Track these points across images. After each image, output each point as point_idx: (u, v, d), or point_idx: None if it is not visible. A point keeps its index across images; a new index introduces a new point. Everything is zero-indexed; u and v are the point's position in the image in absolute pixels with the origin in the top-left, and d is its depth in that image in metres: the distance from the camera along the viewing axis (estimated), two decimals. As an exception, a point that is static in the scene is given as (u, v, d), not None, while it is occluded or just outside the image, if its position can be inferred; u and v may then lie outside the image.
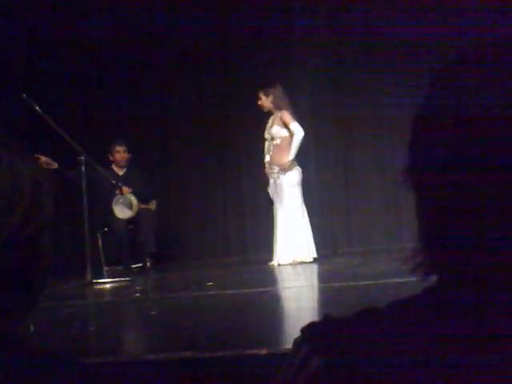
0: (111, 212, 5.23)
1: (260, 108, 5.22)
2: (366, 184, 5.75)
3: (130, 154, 5.53)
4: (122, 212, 5.22)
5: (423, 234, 0.45)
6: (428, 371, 0.40)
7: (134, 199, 5.25)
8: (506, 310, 0.40)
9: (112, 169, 5.48)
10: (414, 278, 0.46)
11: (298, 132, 5.04)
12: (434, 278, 0.45)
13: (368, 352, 0.42)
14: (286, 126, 5.09)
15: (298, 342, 0.46)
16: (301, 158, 5.19)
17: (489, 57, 0.42)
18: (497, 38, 0.42)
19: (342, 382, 0.42)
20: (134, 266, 5.28)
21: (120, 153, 5.46)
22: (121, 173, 5.52)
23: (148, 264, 5.24)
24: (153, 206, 5.46)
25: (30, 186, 0.63)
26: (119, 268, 5.22)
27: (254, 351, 1.78)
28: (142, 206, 5.34)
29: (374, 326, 0.43)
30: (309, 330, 0.46)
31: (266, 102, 5.17)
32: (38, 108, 4.57)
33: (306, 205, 5.16)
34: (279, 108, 5.12)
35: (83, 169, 4.78)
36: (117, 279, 4.85)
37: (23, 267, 0.62)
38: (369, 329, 0.43)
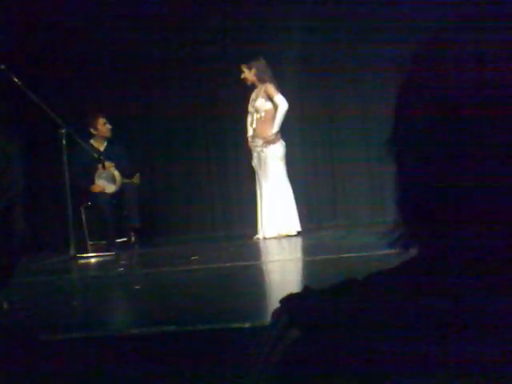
0: (94, 187, 5.17)
1: (243, 81, 5.18)
2: (352, 157, 5.75)
3: (111, 127, 5.44)
4: (105, 186, 5.17)
5: (401, 206, 0.46)
6: (406, 342, 0.40)
7: (116, 173, 5.20)
8: (482, 281, 0.41)
9: (92, 143, 5.39)
10: (396, 251, 0.46)
11: (282, 104, 5.01)
12: (413, 251, 0.44)
13: (346, 323, 0.42)
14: (270, 98, 5.06)
15: (276, 314, 0.46)
16: (285, 132, 5.17)
17: (470, 32, 0.42)
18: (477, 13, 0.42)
19: (320, 353, 0.42)
20: (118, 240, 5.25)
21: (105, 125, 5.38)
22: (102, 147, 5.44)
23: (132, 239, 5.21)
24: (136, 179, 5.41)
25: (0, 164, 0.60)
26: (103, 243, 5.19)
27: (238, 324, 1.79)
28: (126, 181, 5.29)
29: (352, 298, 0.44)
30: (287, 302, 0.46)
31: (249, 75, 5.13)
32: (16, 80, 4.46)
33: (290, 178, 5.16)
34: (263, 81, 5.08)
35: (64, 142, 4.69)
36: (101, 254, 4.83)
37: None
38: (347, 300, 0.43)
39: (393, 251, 0.47)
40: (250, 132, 5.20)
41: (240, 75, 5.18)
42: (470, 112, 0.40)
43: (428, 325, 0.40)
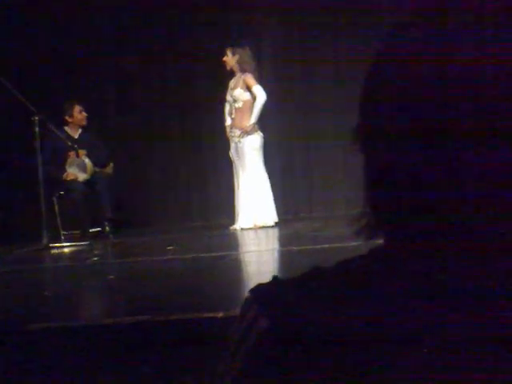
0: (65, 175, 5.09)
1: (223, 64, 5.12)
2: (328, 149, 5.77)
3: (87, 114, 5.36)
4: (75, 174, 5.09)
5: (367, 196, 0.47)
6: (373, 330, 0.40)
7: (88, 162, 5.12)
8: (453, 268, 0.41)
9: (66, 130, 5.29)
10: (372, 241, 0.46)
11: (261, 95, 4.99)
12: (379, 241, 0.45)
13: (314, 312, 0.42)
14: (248, 89, 5.03)
15: (246, 303, 0.46)
16: (262, 122, 5.16)
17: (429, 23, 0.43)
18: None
19: (289, 342, 0.42)
20: (92, 230, 5.19)
21: (81, 112, 5.29)
22: (76, 135, 5.35)
23: (107, 228, 5.15)
24: (110, 169, 5.33)
25: None
26: (77, 232, 5.11)
27: (211, 314, 1.78)
28: (97, 170, 5.21)
29: (319, 286, 0.44)
30: (257, 291, 0.45)
31: (231, 60, 5.08)
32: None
33: (267, 169, 5.16)
34: (243, 70, 5.05)
35: (37, 129, 4.60)
36: (74, 243, 4.76)
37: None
38: (315, 289, 0.43)
39: (367, 242, 0.47)
40: (228, 121, 5.17)
41: (221, 57, 5.11)
42: (432, 98, 0.41)
43: (395, 310, 0.41)
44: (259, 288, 0.46)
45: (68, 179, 5.08)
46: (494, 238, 0.40)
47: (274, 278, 0.47)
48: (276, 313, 0.43)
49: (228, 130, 5.18)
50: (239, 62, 5.05)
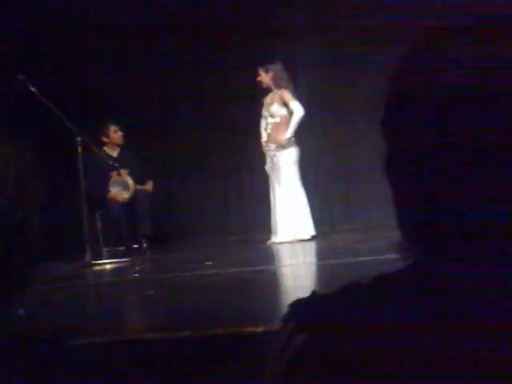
0: (108, 193, 5.22)
1: (259, 84, 5.19)
2: (365, 160, 5.73)
3: (123, 133, 5.49)
4: (118, 193, 5.22)
5: (401, 222, 0.49)
6: (412, 344, 0.41)
7: (130, 180, 5.24)
8: (485, 280, 0.42)
9: (105, 151, 5.44)
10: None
11: (298, 110, 5.02)
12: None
13: (352, 328, 0.43)
14: (285, 104, 5.07)
15: (284, 319, 0.47)
16: (298, 136, 5.17)
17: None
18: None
19: (326, 358, 0.43)
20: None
21: (117, 132, 5.43)
22: (114, 154, 5.49)
23: (144, 245, 5.25)
24: (149, 186, 5.45)
25: (16, 173, 0.62)
26: (118, 249, 5.23)
27: (251, 329, 1.79)
28: (139, 187, 5.33)
29: (357, 302, 0.45)
30: (295, 307, 0.47)
31: (265, 78, 5.14)
32: (34, 89, 4.53)
33: (303, 183, 5.16)
34: (279, 86, 5.09)
35: (80, 150, 4.75)
36: (116, 260, 4.87)
37: (10, 254, 0.61)
38: (352, 303, 0.44)
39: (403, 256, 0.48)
40: (264, 137, 5.21)
41: (256, 78, 5.18)
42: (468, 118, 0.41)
43: (432, 324, 0.41)
44: (298, 302, 0.47)
45: (110, 198, 5.21)
46: None
47: (313, 293, 0.49)
48: (314, 326, 0.44)
49: (264, 144, 5.22)
50: (274, 79, 5.10)
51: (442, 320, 0.41)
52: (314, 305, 0.46)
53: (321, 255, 4.48)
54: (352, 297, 0.45)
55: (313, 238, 5.03)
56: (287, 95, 5.03)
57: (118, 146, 5.49)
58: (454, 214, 0.42)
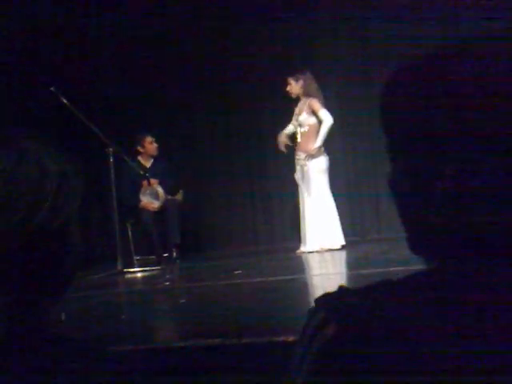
0: (139, 203, 5.30)
1: (288, 94, 5.20)
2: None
3: (158, 145, 5.59)
4: (149, 203, 5.30)
5: (411, 239, 0.55)
6: (439, 339, 0.41)
7: (160, 190, 5.32)
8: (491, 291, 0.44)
9: (139, 160, 5.54)
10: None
11: (328, 119, 5.01)
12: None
13: (382, 320, 0.43)
14: (314, 113, 5.07)
15: (312, 311, 0.48)
16: (328, 145, 5.16)
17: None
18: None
19: (355, 349, 0.43)
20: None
21: (152, 143, 5.53)
22: (148, 164, 5.58)
23: (174, 254, 5.31)
24: (180, 196, 5.52)
25: (56, 179, 0.65)
26: (149, 258, 5.30)
27: (282, 338, 1.79)
28: (169, 197, 5.40)
29: (387, 296, 0.45)
30: (323, 299, 0.47)
31: (295, 87, 5.14)
32: (65, 101, 4.65)
33: (333, 192, 5.13)
34: (308, 95, 5.09)
35: (111, 160, 4.84)
36: (147, 268, 4.93)
37: (52, 259, 0.64)
38: (383, 298, 0.45)
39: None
40: (284, 142, 5.21)
41: (285, 87, 5.19)
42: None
43: (458, 320, 0.42)
44: (325, 296, 0.48)
45: (141, 207, 5.29)
46: None
47: (340, 287, 0.49)
48: (343, 320, 0.45)
49: (294, 153, 5.22)
50: (304, 88, 5.10)
51: (470, 316, 0.42)
52: (343, 298, 0.47)
53: (350, 265, 4.45)
54: (381, 292, 0.46)
55: (342, 247, 5.00)
56: (316, 104, 5.03)
57: (152, 156, 5.58)
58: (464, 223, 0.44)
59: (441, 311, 0.43)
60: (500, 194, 0.42)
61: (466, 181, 0.43)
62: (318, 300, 0.48)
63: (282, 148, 5.20)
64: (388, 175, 0.49)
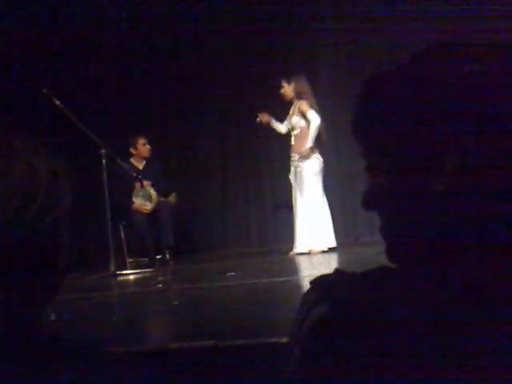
0: (131, 205, 5.29)
1: (282, 96, 5.20)
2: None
3: (151, 147, 5.58)
4: (141, 205, 5.28)
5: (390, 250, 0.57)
6: (429, 325, 0.41)
7: (153, 192, 5.31)
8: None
9: (131, 162, 5.52)
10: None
11: (314, 119, 5.02)
12: None
13: (373, 302, 0.43)
14: (303, 115, 5.08)
15: (307, 292, 0.48)
16: (322, 147, 5.17)
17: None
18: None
19: (345, 329, 0.43)
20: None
21: (145, 145, 5.52)
22: (141, 166, 5.57)
23: (167, 256, 5.29)
24: (172, 198, 5.51)
25: (46, 179, 0.64)
26: (142, 259, 5.28)
27: (275, 339, 1.79)
28: (162, 199, 5.39)
29: (379, 280, 0.46)
30: (318, 280, 0.48)
31: (288, 89, 5.15)
32: (58, 102, 4.63)
33: (326, 194, 5.14)
34: (299, 97, 5.11)
35: (104, 162, 4.82)
36: (140, 270, 4.91)
37: (42, 260, 0.63)
38: (374, 282, 0.46)
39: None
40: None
41: (279, 90, 5.20)
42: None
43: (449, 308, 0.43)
44: (320, 277, 0.48)
45: (134, 209, 5.27)
46: None
47: (336, 269, 0.50)
48: (335, 300, 0.45)
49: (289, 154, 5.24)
50: (296, 90, 5.11)
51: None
52: (337, 279, 0.47)
53: (343, 266, 4.45)
54: (375, 276, 0.46)
55: (332, 249, 5.00)
56: (304, 106, 5.04)
57: (145, 158, 5.57)
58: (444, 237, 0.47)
59: (435, 300, 0.44)
60: (490, 204, 0.43)
61: (459, 187, 0.43)
62: (312, 281, 0.49)
63: (265, 118, 5.20)
64: (365, 193, 0.50)
